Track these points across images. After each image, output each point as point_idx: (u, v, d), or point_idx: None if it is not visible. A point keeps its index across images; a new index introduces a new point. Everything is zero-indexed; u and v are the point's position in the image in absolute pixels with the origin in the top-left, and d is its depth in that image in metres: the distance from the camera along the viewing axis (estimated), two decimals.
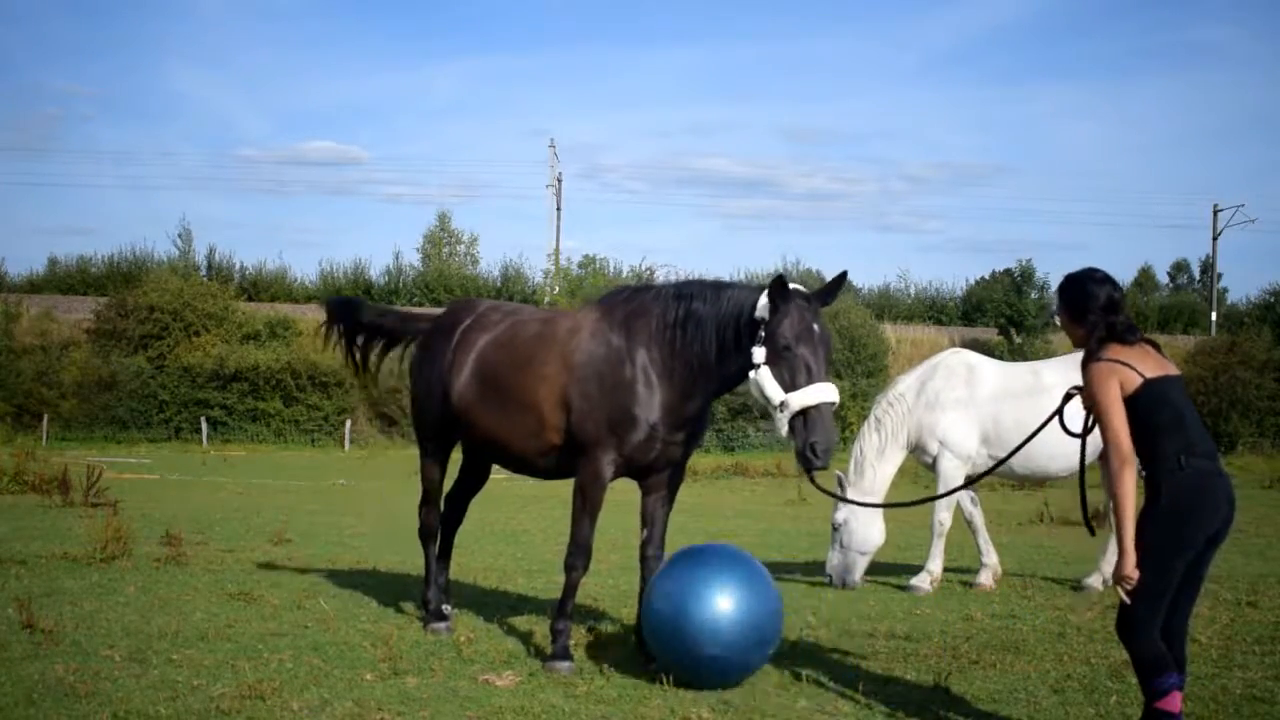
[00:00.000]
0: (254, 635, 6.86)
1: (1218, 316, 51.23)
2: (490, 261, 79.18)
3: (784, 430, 5.78)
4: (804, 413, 5.70)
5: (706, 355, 6.16)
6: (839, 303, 39.82)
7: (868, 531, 9.07)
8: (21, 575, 8.73)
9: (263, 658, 6.30)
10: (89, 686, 5.56)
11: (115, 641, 6.58)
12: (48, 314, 40.71)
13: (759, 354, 5.86)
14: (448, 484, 7.65)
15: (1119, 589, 4.68)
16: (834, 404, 5.75)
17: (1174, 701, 4.59)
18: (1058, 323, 5.28)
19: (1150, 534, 4.62)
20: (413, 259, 55.45)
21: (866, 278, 69.13)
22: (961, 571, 9.93)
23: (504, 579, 9.42)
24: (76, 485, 14.70)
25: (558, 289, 46.96)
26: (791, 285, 5.91)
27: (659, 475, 6.54)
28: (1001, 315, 46.26)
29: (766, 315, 5.89)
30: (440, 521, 7.58)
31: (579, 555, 6.41)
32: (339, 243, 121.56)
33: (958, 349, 9.97)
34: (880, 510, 9.01)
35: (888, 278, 55.37)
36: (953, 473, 9.13)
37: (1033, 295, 46.38)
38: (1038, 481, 9.80)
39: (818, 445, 5.66)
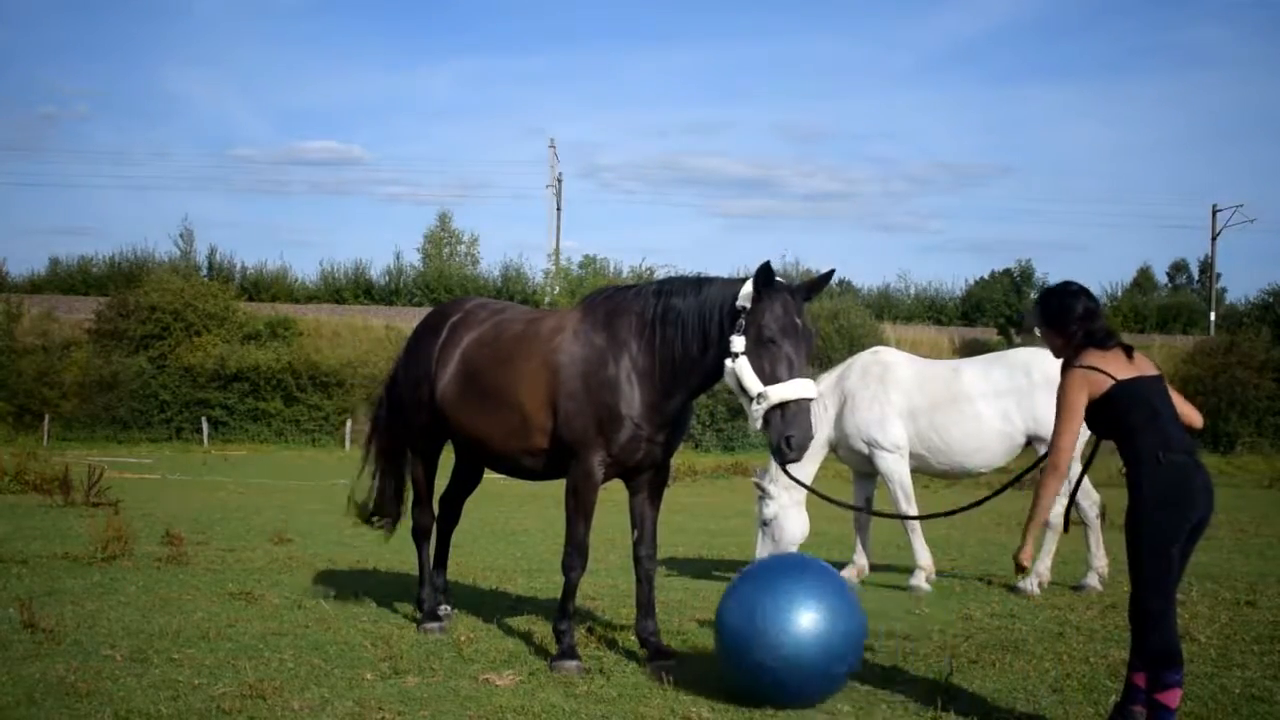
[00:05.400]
0: (255, 635, 6.88)
1: (1216, 317, 51.14)
2: (490, 262, 79.47)
3: (758, 423, 5.72)
4: (782, 406, 5.67)
5: (689, 350, 6.13)
6: (839, 302, 39.98)
7: (795, 525, 9.03)
8: (23, 575, 8.75)
9: (263, 657, 6.32)
10: (90, 686, 5.57)
11: (116, 641, 6.60)
12: (49, 314, 40.63)
13: (738, 343, 5.81)
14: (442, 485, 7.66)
15: (1017, 574, 5.17)
16: (812, 400, 5.76)
17: (1173, 698, 4.77)
18: (1037, 333, 5.42)
19: (1140, 528, 4.81)
20: (413, 259, 55.63)
21: (866, 278, 69.21)
22: (959, 573, 9.94)
23: (503, 578, 9.43)
24: (78, 485, 14.71)
25: (558, 289, 46.89)
26: (778, 277, 5.90)
27: (645, 475, 6.55)
28: (1001, 315, 46.30)
29: (749, 304, 5.85)
30: (436, 522, 7.59)
31: (575, 556, 6.41)
32: (339, 243, 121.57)
33: (877, 348, 10.01)
34: (804, 503, 8.97)
35: (887, 278, 55.38)
36: (895, 466, 9.23)
37: (1032, 295, 46.37)
38: (955, 478, 9.78)
39: (793, 439, 5.64)
